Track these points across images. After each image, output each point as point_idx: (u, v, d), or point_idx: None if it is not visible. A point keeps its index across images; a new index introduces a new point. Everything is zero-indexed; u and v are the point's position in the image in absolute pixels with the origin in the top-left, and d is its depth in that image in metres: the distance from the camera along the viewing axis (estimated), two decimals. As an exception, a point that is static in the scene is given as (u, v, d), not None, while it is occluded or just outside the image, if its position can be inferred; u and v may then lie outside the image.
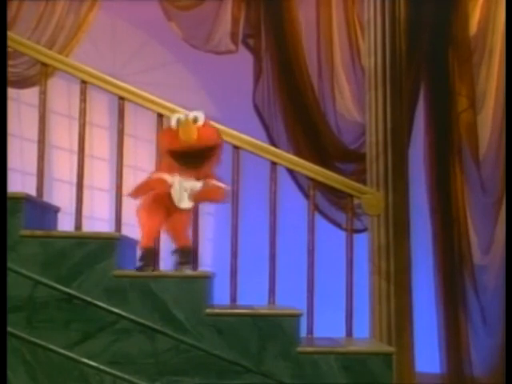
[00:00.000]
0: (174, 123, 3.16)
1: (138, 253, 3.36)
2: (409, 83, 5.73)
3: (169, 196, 3.22)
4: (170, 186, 3.21)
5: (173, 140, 3.15)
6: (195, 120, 3.16)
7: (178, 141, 3.12)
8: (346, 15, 6.15)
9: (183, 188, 3.21)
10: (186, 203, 3.23)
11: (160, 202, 3.25)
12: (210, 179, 3.25)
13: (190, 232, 3.44)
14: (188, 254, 3.39)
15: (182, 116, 3.18)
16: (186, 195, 3.22)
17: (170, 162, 3.23)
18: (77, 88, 3.67)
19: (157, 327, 3.26)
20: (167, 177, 3.21)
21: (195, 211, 3.61)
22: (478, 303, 5.83)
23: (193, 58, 6.39)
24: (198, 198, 3.26)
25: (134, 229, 3.35)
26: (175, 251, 3.38)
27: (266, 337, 3.27)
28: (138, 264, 3.34)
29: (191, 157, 3.16)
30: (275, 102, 6.17)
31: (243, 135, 3.65)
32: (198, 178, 3.23)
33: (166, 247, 3.48)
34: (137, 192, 3.28)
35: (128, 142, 3.77)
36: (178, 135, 3.12)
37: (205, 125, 3.19)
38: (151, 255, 3.36)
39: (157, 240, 3.45)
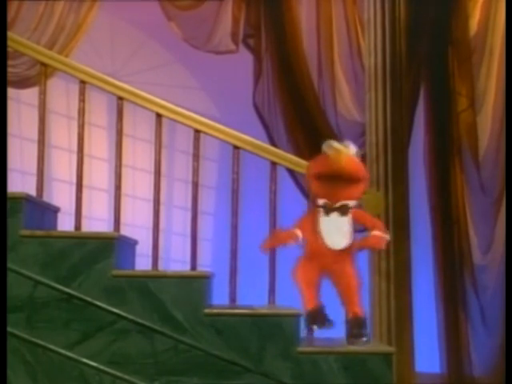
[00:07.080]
0: (326, 149, 3.19)
1: (305, 316, 3.23)
2: (409, 83, 5.73)
3: (321, 244, 3.19)
4: (299, 239, 3.19)
5: (323, 164, 3.18)
6: (346, 148, 3.19)
7: (327, 164, 3.16)
8: (346, 15, 6.15)
9: (334, 227, 3.19)
10: (341, 242, 3.18)
11: (312, 256, 3.22)
12: (361, 215, 3.24)
13: (359, 294, 3.25)
14: (361, 325, 3.23)
15: (336, 143, 3.21)
16: (338, 234, 3.19)
17: (317, 187, 3.23)
18: (76, 88, 3.67)
19: (156, 327, 3.26)
20: (297, 231, 3.20)
21: (194, 210, 3.61)
22: (477, 303, 5.83)
23: (193, 58, 6.39)
24: (362, 244, 3.22)
25: (132, 229, 3.35)
26: (346, 321, 3.23)
27: (265, 337, 3.27)
28: (308, 325, 3.24)
29: (337, 183, 3.17)
30: (275, 101, 6.16)
31: (243, 135, 3.65)
32: (343, 211, 3.20)
33: (166, 245, 3.47)
34: (267, 245, 3.30)
35: (127, 142, 3.77)
36: (328, 159, 3.16)
37: (354, 156, 3.22)
38: (320, 314, 3.24)
39: (320, 298, 3.26)
